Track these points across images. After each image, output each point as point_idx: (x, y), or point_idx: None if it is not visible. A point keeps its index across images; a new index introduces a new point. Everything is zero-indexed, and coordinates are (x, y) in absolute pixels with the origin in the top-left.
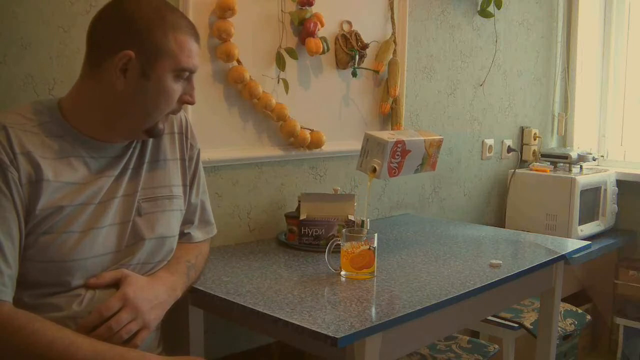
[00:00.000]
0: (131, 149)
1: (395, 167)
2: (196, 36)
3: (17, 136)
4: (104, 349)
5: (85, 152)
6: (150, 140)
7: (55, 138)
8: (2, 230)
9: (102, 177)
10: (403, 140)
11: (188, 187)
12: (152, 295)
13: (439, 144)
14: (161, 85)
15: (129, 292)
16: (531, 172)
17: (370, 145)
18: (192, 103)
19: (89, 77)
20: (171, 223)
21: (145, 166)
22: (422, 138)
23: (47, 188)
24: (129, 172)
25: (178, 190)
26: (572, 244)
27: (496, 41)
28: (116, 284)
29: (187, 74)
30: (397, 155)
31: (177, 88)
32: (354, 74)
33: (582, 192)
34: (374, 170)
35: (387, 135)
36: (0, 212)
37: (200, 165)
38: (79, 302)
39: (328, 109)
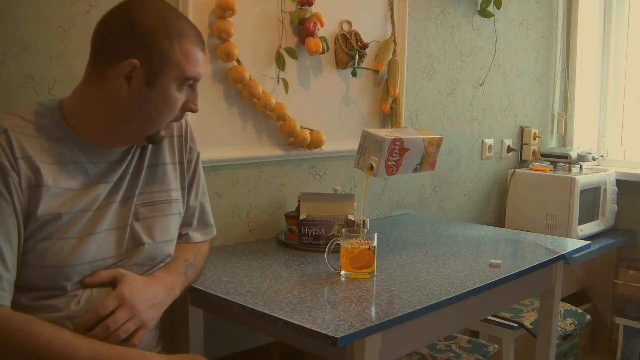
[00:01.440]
0: (131, 155)
1: (394, 165)
2: (202, 45)
3: (18, 140)
4: (103, 349)
5: (85, 158)
6: (150, 145)
7: (54, 142)
8: (1, 235)
9: (101, 183)
10: (401, 139)
11: (186, 191)
12: (150, 294)
13: (438, 143)
14: (165, 94)
15: (125, 292)
16: (531, 172)
17: (368, 143)
18: (195, 111)
19: (93, 82)
20: (170, 227)
21: (144, 171)
22: (421, 137)
23: (46, 193)
24: (128, 177)
25: (177, 194)
26: (572, 244)
27: (496, 41)
28: (113, 284)
29: (191, 82)
30: (396, 153)
31: (180, 97)
32: (354, 74)
33: (582, 192)
34: (372, 168)
35: (385, 133)
36: (1, 216)
37: (200, 169)
38: (76, 302)
39: (328, 109)
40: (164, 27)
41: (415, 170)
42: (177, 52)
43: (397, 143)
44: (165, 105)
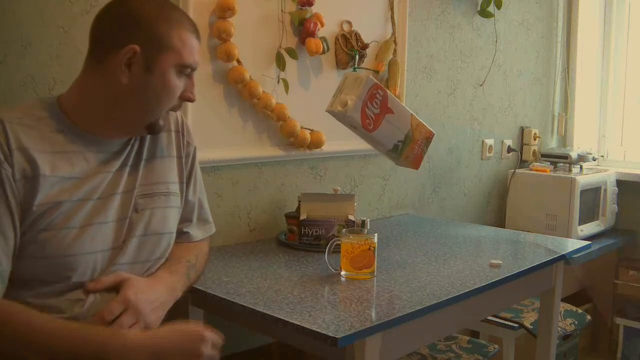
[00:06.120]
0: (129, 146)
1: (371, 117)
2: (197, 33)
3: (13, 131)
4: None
5: (84, 147)
6: (148, 138)
7: (53, 133)
8: None
9: (100, 172)
10: (386, 91)
11: (185, 185)
12: (153, 296)
13: (427, 135)
14: (164, 80)
15: (130, 295)
16: (531, 172)
17: (348, 83)
18: (192, 100)
19: (92, 72)
20: (167, 220)
21: (142, 163)
22: (409, 111)
23: (44, 183)
24: (127, 168)
25: (175, 188)
26: (572, 244)
27: (496, 41)
28: (116, 287)
29: (188, 70)
30: (376, 103)
31: (179, 84)
32: None
33: (582, 192)
34: (345, 104)
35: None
36: None
37: (197, 163)
38: (80, 305)
39: None
40: (161, 14)
41: (395, 148)
42: (175, 38)
43: (380, 91)
44: (164, 91)
